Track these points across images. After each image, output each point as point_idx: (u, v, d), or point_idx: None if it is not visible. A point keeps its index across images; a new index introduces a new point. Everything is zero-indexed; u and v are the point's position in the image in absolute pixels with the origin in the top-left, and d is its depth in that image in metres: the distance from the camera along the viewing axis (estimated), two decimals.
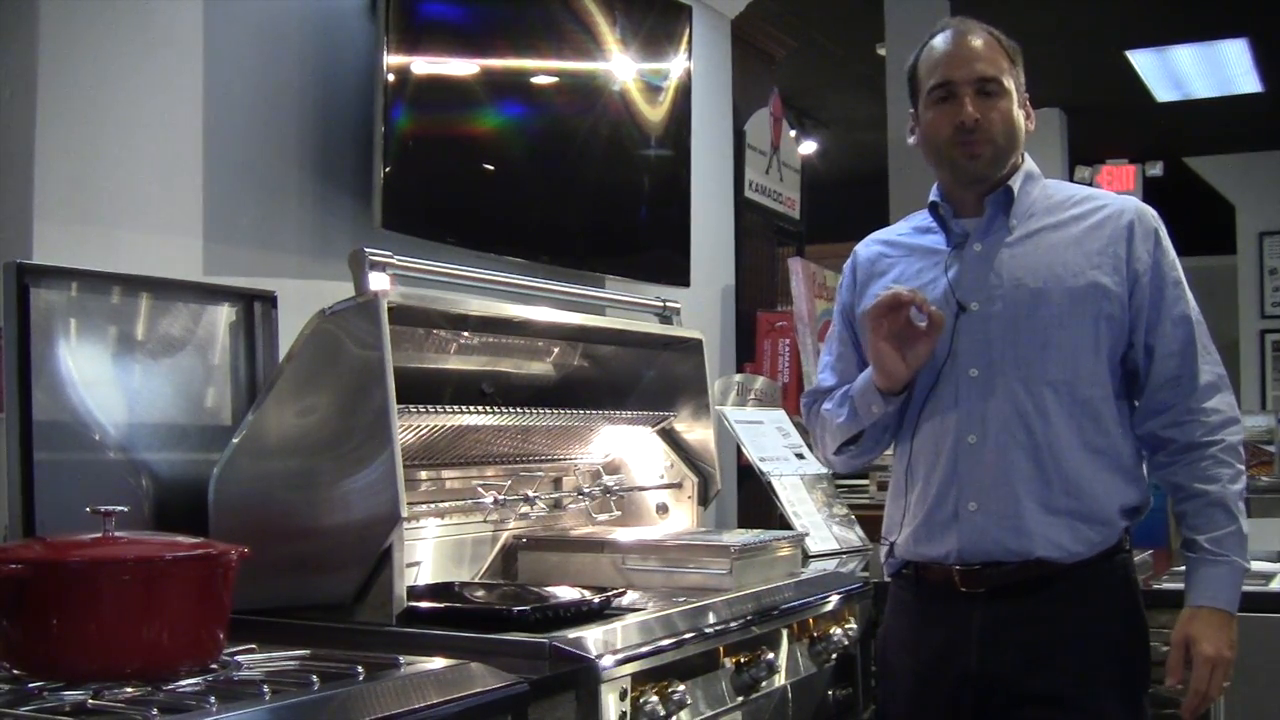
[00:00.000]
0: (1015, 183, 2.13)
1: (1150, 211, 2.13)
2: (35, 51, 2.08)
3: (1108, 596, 2.09)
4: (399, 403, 1.97)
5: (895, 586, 2.25)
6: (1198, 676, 2.03)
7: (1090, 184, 8.02)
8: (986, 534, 2.06)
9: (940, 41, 2.15)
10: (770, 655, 2.25)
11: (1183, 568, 3.23)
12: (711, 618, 2.15)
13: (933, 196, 2.20)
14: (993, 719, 2.07)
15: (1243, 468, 2.10)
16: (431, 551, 2.38)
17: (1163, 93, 7.25)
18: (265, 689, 1.47)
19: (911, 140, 2.21)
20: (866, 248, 2.31)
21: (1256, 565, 3.18)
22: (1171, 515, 3.19)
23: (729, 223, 4.20)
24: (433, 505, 2.34)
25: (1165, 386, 2.08)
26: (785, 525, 3.11)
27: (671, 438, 2.82)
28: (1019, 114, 2.13)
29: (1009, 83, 2.11)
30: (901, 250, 2.24)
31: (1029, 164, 2.18)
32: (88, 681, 1.44)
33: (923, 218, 2.24)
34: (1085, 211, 2.12)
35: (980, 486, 2.07)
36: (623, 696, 1.87)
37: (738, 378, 3.81)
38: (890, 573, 2.26)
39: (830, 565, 2.95)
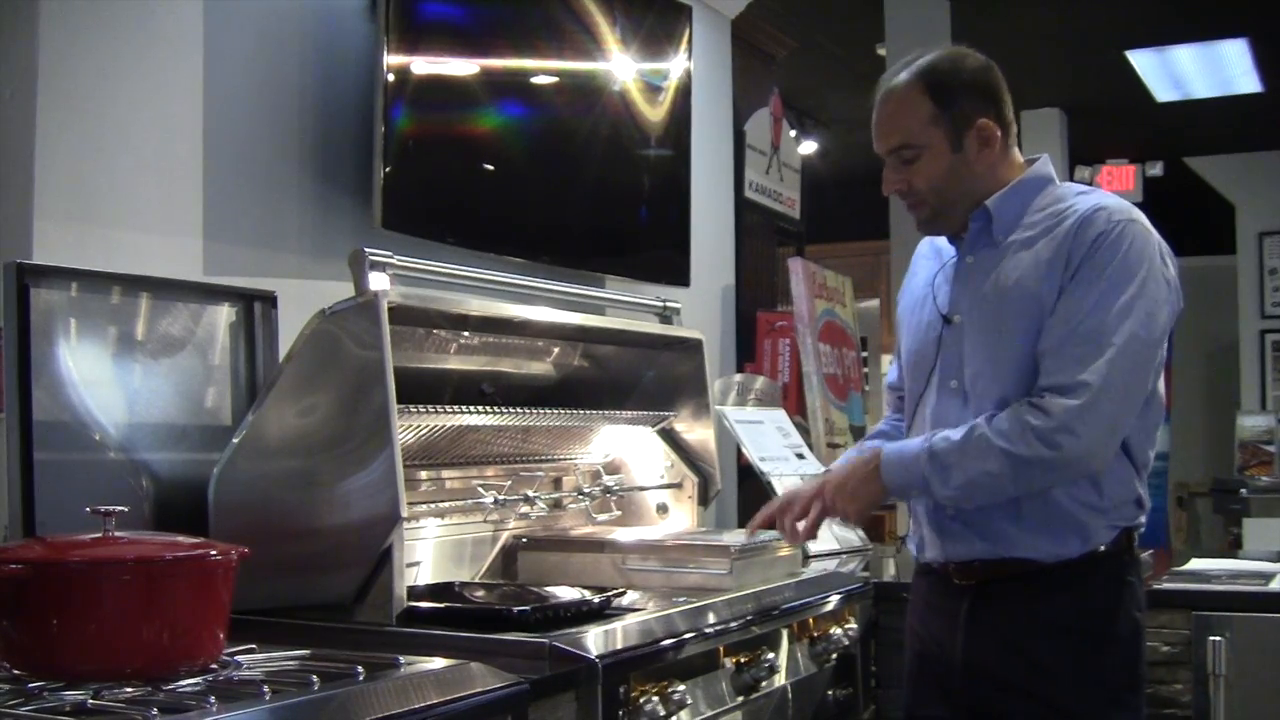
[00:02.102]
0: (993, 202, 2.13)
1: (1104, 213, 2.04)
2: (35, 51, 2.08)
3: (1094, 593, 2.09)
4: (399, 403, 1.97)
5: (914, 575, 2.32)
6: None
7: (1090, 184, 8.02)
8: (967, 540, 2.12)
9: (875, 106, 2.17)
10: (770, 655, 2.26)
11: (1183, 568, 3.25)
12: (711, 618, 2.16)
13: None
14: (980, 706, 2.12)
15: (1008, 446, 1.97)
16: (431, 551, 2.38)
17: (1163, 93, 7.25)
18: (265, 689, 1.48)
19: None
20: (919, 246, 2.37)
21: (1257, 565, 3.18)
22: (1171, 516, 3.19)
23: (729, 223, 4.20)
24: (433, 505, 2.34)
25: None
26: None
27: (671, 438, 2.82)
28: (952, 161, 2.11)
29: (926, 137, 2.10)
30: (934, 252, 2.30)
31: (1031, 172, 2.17)
32: (88, 681, 1.44)
33: None
34: (1056, 220, 2.09)
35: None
36: (623, 696, 1.87)
37: (738, 378, 3.81)
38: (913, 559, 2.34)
39: (830, 565, 2.95)
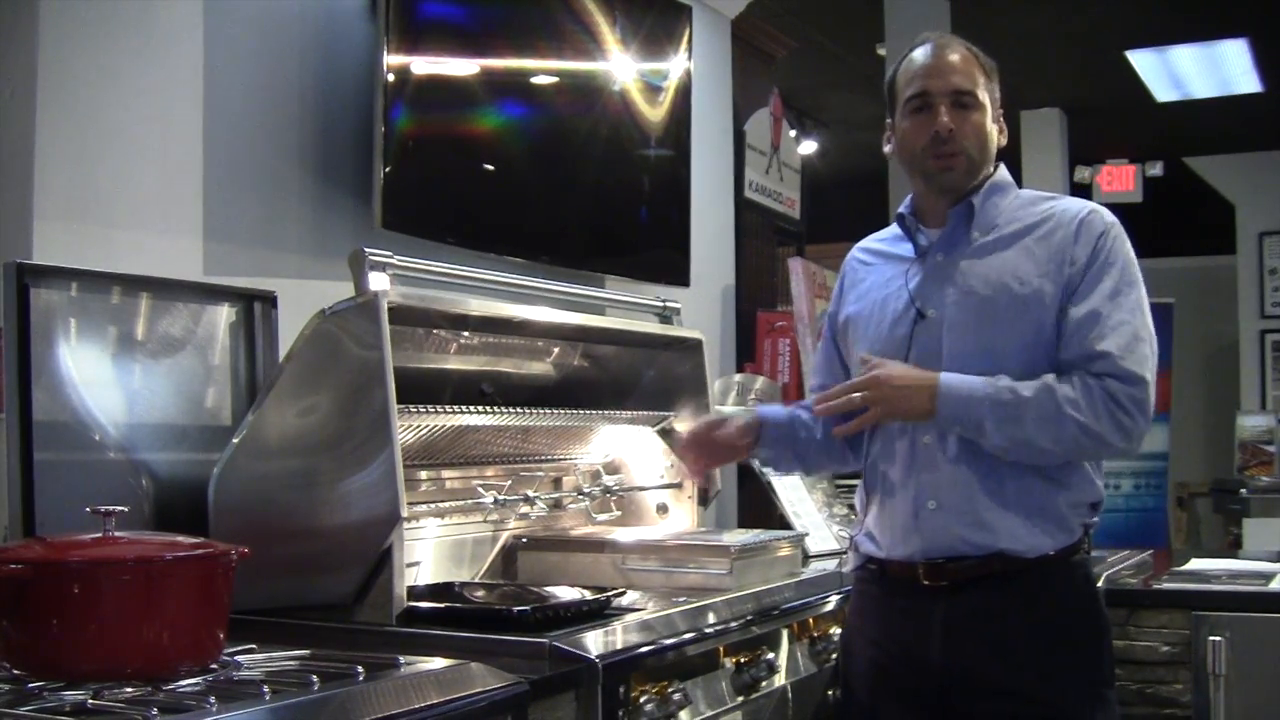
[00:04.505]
0: (977, 198, 2.19)
1: (1101, 215, 2.15)
2: (35, 51, 2.08)
3: (1067, 592, 2.12)
4: (399, 403, 1.97)
5: (858, 579, 2.28)
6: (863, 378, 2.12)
7: (1090, 184, 8.03)
8: (948, 530, 2.10)
9: (920, 54, 2.22)
10: (770, 655, 2.26)
11: (1183, 568, 3.26)
12: (711, 618, 2.16)
13: (901, 208, 2.28)
14: (956, 711, 2.11)
15: (1082, 419, 2.01)
16: (431, 551, 2.38)
17: (1163, 93, 7.25)
18: (265, 689, 1.48)
19: (887, 149, 2.28)
20: (852, 256, 2.40)
21: (1257, 565, 3.18)
22: (1171, 516, 3.19)
23: (729, 223, 4.20)
24: (433, 505, 2.34)
25: (1071, 337, 2.08)
26: (785, 525, 3.11)
27: (671, 438, 2.82)
28: (992, 128, 2.20)
29: (984, 96, 2.18)
30: (879, 258, 2.32)
31: (999, 175, 2.24)
32: (88, 681, 1.44)
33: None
34: (1040, 220, 2.17)
35: (938, 485, 2.12)
36: (623, 696, 1.87)
37: (738, 378, 3.81)
38: (854, 565, 2.30)
39: (830, 565, 2.95)
